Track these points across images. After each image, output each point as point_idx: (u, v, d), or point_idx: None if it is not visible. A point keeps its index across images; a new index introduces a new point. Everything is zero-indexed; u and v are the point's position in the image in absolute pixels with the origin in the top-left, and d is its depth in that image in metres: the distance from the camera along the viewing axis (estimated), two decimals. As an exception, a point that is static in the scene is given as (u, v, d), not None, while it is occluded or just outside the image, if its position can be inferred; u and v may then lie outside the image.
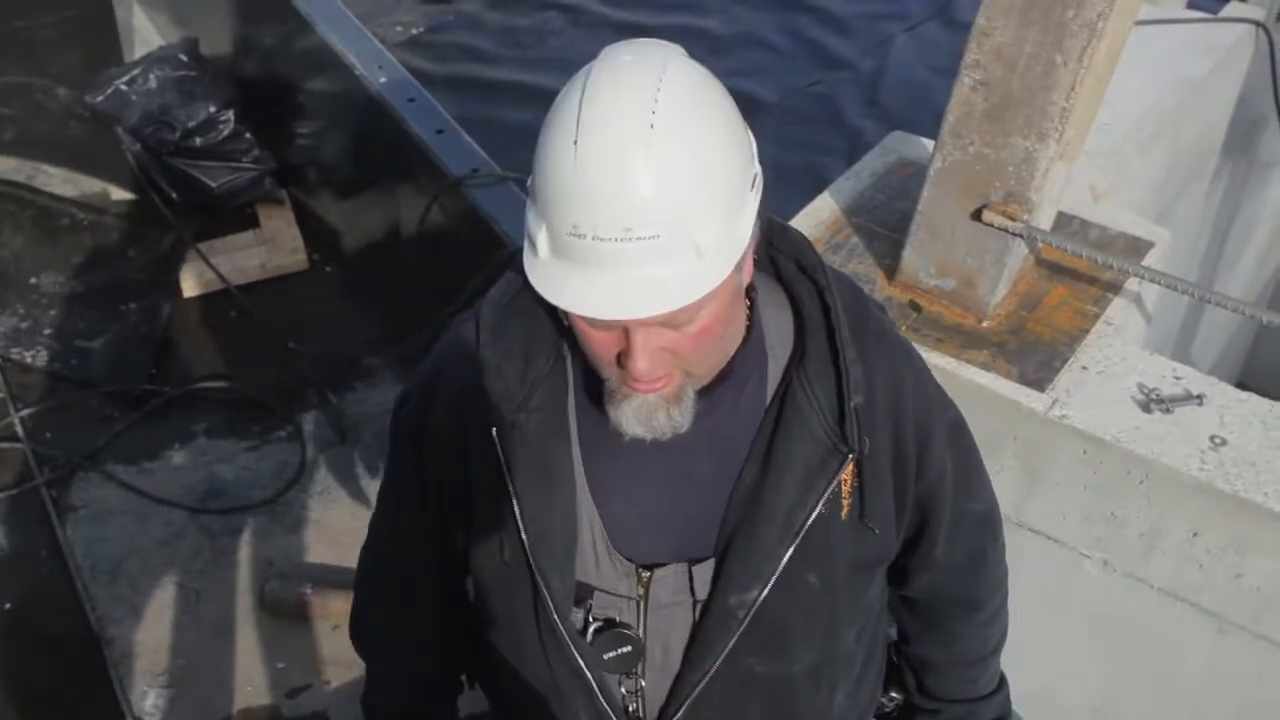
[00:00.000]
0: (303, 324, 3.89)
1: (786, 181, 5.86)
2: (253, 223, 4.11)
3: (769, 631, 1.38)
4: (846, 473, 1.34)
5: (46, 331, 3.79)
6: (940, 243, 2.36)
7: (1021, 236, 2.28)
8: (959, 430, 1.52)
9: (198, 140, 3.96)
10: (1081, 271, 2.49)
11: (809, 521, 1.33)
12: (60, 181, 4.21)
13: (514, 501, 1.34)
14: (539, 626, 1.39)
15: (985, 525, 1.59)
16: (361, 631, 1.74)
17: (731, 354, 1.31)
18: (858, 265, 2.52)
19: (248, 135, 4.06)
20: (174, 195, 4.05)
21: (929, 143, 2.62)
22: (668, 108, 1.12)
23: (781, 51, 6.69)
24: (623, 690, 1.44)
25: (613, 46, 1.21)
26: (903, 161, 2.78)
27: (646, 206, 1.11)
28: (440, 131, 3.25)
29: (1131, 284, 2.47)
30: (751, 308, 1.33)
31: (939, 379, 2.22)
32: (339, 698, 2.95)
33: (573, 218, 1.12)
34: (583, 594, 1.39)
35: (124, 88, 3.97)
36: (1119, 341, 2.37)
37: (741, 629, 1.36)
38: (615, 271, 1.13)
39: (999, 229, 2.27)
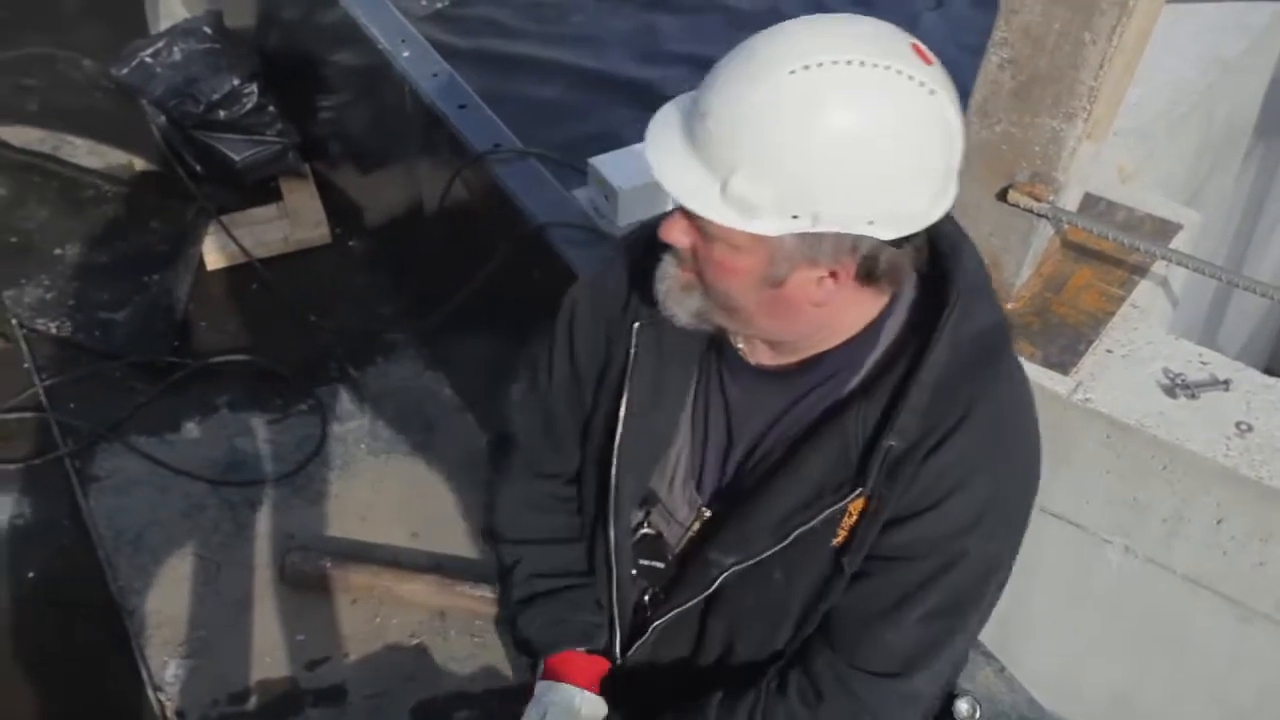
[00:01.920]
0: (325, 298, 3.89)
1: None
2: (275, 196, 4.11)
3: (726, 600, 1.45)
4: (854, 505, 1.31)
5: (70, 302, 3.80)
6: (966, 222, 2.35)
7: (1047, 217, 2.26)
8: (961, 559, 1.32)
9: (221, 113, 3.95)
10: (1108, 253, 2.46)
11: (802, 529, 1.34)
12: (85, 153, 4.22)
13: (624, 397, 1.44)
14: (600, 511, 1.51)
15: (898, 650, 1.39)
16: (494, 513, 1.72)
17: (762, 330, 1.32)
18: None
19: (271, 109, 4.06)
20: (198, 168, 4.05)
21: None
22: (826, 77, 1.12)
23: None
24: (645, 596, 1.54)
25: (890, 25, 1.19)
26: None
27: (731, 111, 1.15)
28: (463, 106, 3.23)
29: (1158, 267, 2.45)
30: (882, 315, 1.30)
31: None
32: (358, 671, 2.96)
33: (708, 77, 1.19)
34: (650, 500, 1.50)
35: (149, 60, 3.97)
36: (1145, 325, 2.35)
37: (710, 588, 1.43)
38: (684, 145, 1.20)
39: (1024, 209, 2.25)
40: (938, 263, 1.30)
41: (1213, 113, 3.06)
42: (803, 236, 1.17)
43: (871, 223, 1.15)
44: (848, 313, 1.28)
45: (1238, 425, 2.14)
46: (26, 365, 3.62)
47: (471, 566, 3.15)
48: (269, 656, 2.99)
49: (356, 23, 3.65)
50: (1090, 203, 2.50)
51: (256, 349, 3.72)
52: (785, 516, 1.34)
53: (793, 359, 1.35)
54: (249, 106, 3.99)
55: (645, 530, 1.51)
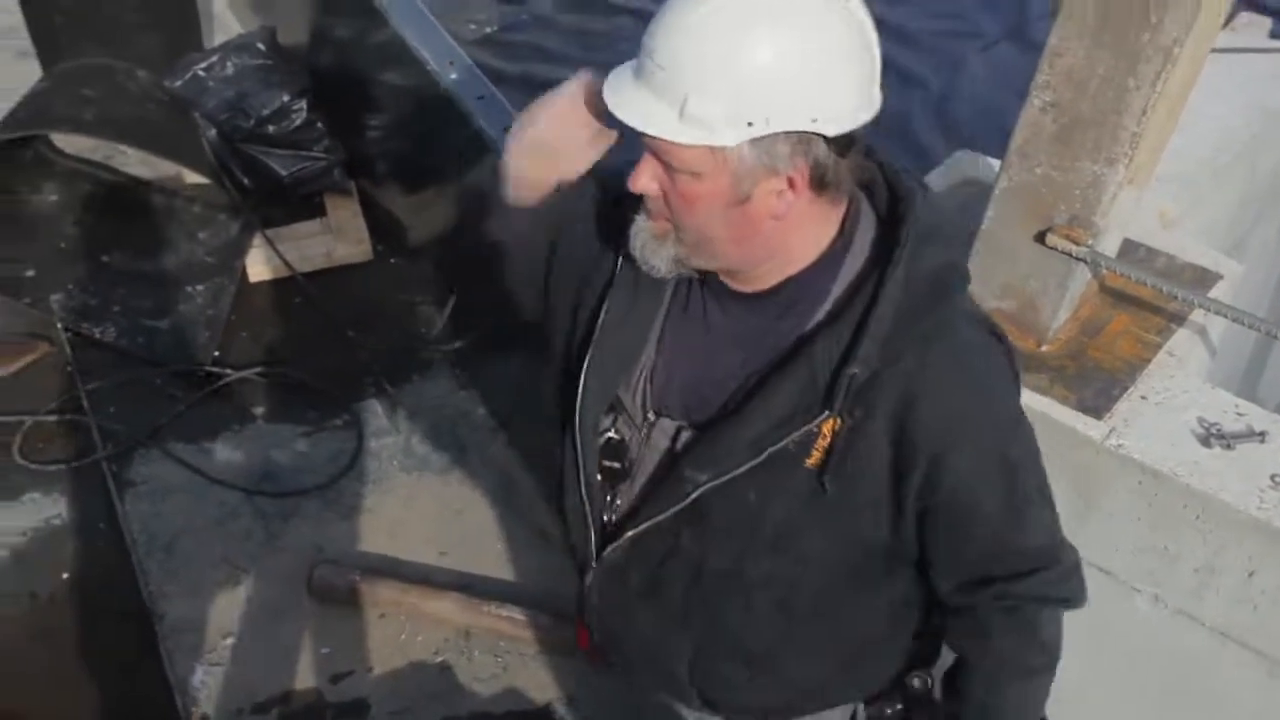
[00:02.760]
0: (364, 314, 3.94)
1: None
2: (320, 212, 4.16)
3: (702, 517, 1.56)
4: (826, 427, 1.45)
5: (115, 309, 3.86)
6: (1002, 263, 2.35)
7: (1085, 261, 2.26)
8: (1009, 469, 1.50)
9: (271, 128, 4.01)
10: (1146, 300, 2.46)
11: (774, 448, 1.46)
12: (136, 163, 4.28)
13: (602, 311, 1.59)
14: (570, 411, 1.64)
15: (1031, 558, 1.58)
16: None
17: (732, 259, 1.47)
18: (918, 283, 2.51)
19: (319, 125, 4.12)
20: (245, 181, 4.11)
21: (994, 162, 2.60)
22: (771, 6, 1.28)
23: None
24: (605, 499, 1.67)
25: None
26: (967, 180, 2.76)
27: (674, 43, 1.32)
28: (508, 129, 3.27)
29: (1197, 315, 2.44)
30: (835, 245, 1.46)
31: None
32: (381, 686, 2.98)
33: (651, 23, 1.35)
34: (616, 406, 1.64)
35: (202, 73, 4.04)
36: (1181, 373, 2.34)
37: (684, 501, 1.54)
38: (639, 88, 1.36)
39: (1063, 253, 2.25)
40: (895, 208, 1.47)
41: (1257, 163, 3.04)
42: (758, 145, 1.32)
43: (815, 119, 1.31)
44: (804, 229, 1.43)
45: (1273, 478, 2.13)
46: (69, 369, 3.69)
47: (499, 587, 3.17)
48: (295, 667, 3.01)
49: (406, 44, 3.71)
50: (1130, 248, 2.50)
51: (295, 362, 3.77)
52: (758, 436, 1.46)
53: (761, 286, 1.49)
54: (298, 122, 4.05)
55: (610, 435, 1.64)
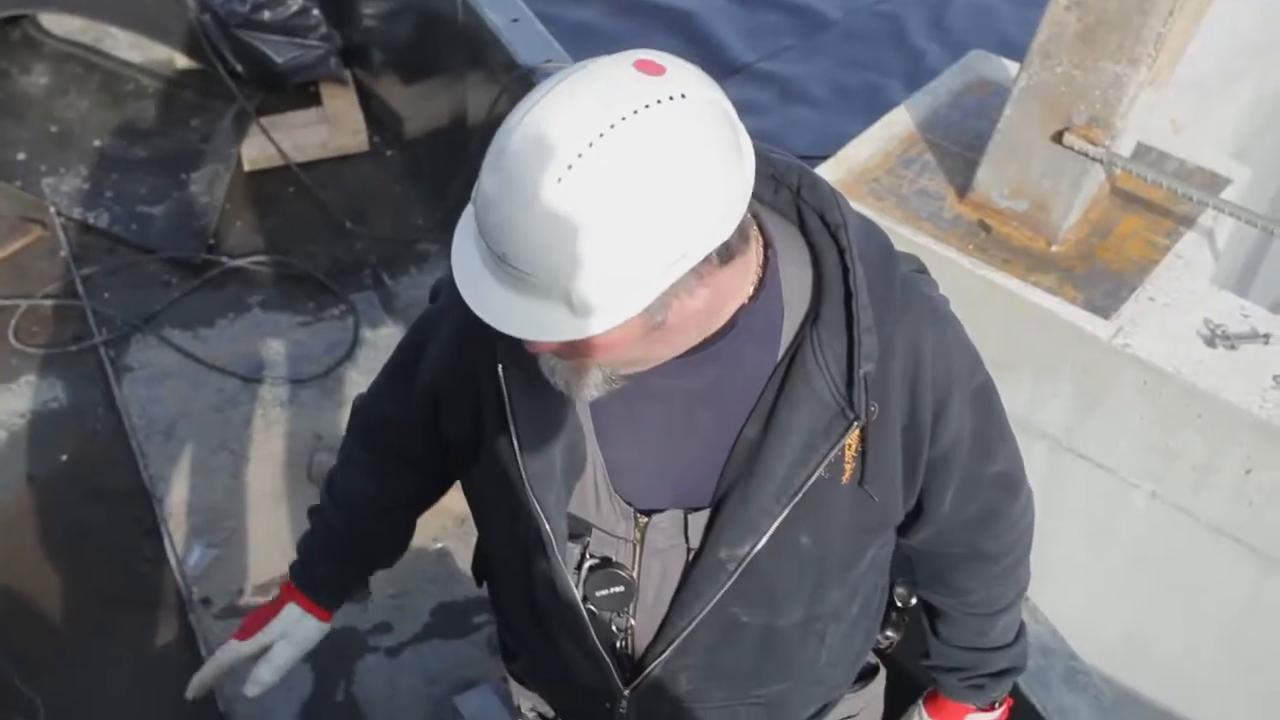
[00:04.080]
0: (361, 205, 3.90)
1: (845, 101, 5.81)
2: (315, 101, 4.10)
3: (757, 585, 1.40)
4: (851, 438, 1.32)
5: (108, 194, 3.81)
6: (1017, 163, 2.36)
7: (1101, 162, 2.27)
8: (983, 395, 1.42)
9: (266, 14, 3.94)
10: (1156, 203, 2.47)
11: (808, 484, 1.32)
12: (127, 46, 4.20)
13: (514, 437, 1.36)
14: (535, 557, 1.43)
15: (1001, 486, 1.50)
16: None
17: (670, 355, 1.27)
18: (928, 181, 2.51)
19: (315, 12, 4.04)
20: (238, 68, 4.04)
21: (1010, 64, 2.60)
22: (589, 169, 1.07)
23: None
24: (613, 628, 1.47)
25: (607, 62, 1.14)
26: (981, 81, 2.75)
27: (521, 245, 1.11)
28: (515, 20, 3.23)
29: (1205, 219, 2.46)
30: (767, 263, 1.28)
31: (1002, 301, 2.25)
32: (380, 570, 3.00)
33: (481, 217, 1.14)
34: (580, 530, 1.41)
35: (196, -45, 3.95)
36: (1188, 275, 2.37)
37: (731, 581, 1.38)
38: (508, 292, 1.15)
39: (1079, 153, 2.26)
40: (799, 195, 1.32)
41: (1269, 70, 3.04)
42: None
43: (708, 236, 1.14)
44: (728, 289, 1.25)
45: (1275, 378, 2.17)
46: (63, 254, 3.65)
47: (497, 477, 3.19)
48: (291, 552, 3.01)
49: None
50: (1142, 152, 2.51)
51: (291, 252, 3.75)
52: (785, 480, 1.32)
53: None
54: (294, 8, 3.97)
55: (591, 562, 1.43)
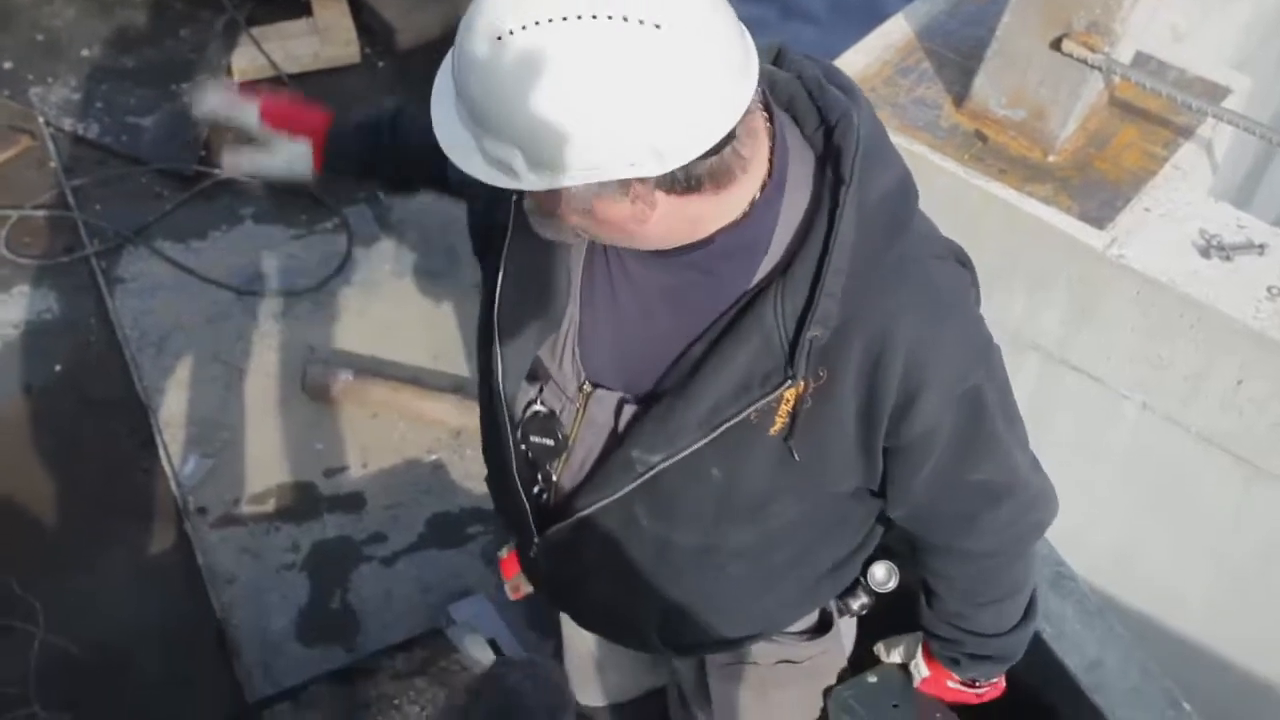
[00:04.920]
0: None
1: (844, 17, 5.72)
2: (306, 11, 4.04)
3: (660, 497, 1.42)
4: (788, 393, 1.30)
5: (98, 105, 3.77)
6: (1014, 71, 2.33)
7: (1100, 69, 2.25)
8: (973, 399, 1.36)
9: (257, -82, 3.88)
10: (1154, 113, 2.45)
11: (732, 421, 1.32)
12: (110, -48, 4.13)
13: (502, 259, 1.40)
14: (490, 380, 1.47)
15: (982, 493, 1.45)
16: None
17: (627, 243, 1.28)
18: (926, 90, 2.49)
19: (306, -81, 3.97)
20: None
21: (1011, -32, 2.55)
22: (533, 42, 1.08)
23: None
24: (538, 475, 1.51)
25: None
26: (980, -14, 2.71)
27: (467, 78, 1.14)
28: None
29: (1204, 129, 2.44)
30: (764, 194, 1.25)
31: (998, 211, 2.23)
32: (375, 481, 3.03)
33: (455, 44, 1.17)
34: (540, 375, 1.45)
35: None
36: (1185, 186, 2.35)
37: (636, 483, 1.40)
38: (450, 107, 1.19)
39: (1078, 59, 2.24)
40: (830, 136, 1.27)
41: (1270, -19, 3.01)
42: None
43: (632, 164, 1.12)
44: (693, 212, 1.22)
45: (1269, 290, 2.17)
46: (53, 164, 3.62)
47: (491, 389, 3.20)
48: (288, 462, 3.05)
49: None
50: (1142, 60, 2.48)
51: (283, 164, 3.71)
52: (712, 410, 1.32)
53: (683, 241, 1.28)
54: (284, -85, 3.90)
55: (537, 408, 1.46)
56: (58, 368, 3.17)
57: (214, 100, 1.82)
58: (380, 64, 4.05)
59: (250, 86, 1.77)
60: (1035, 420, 1.52)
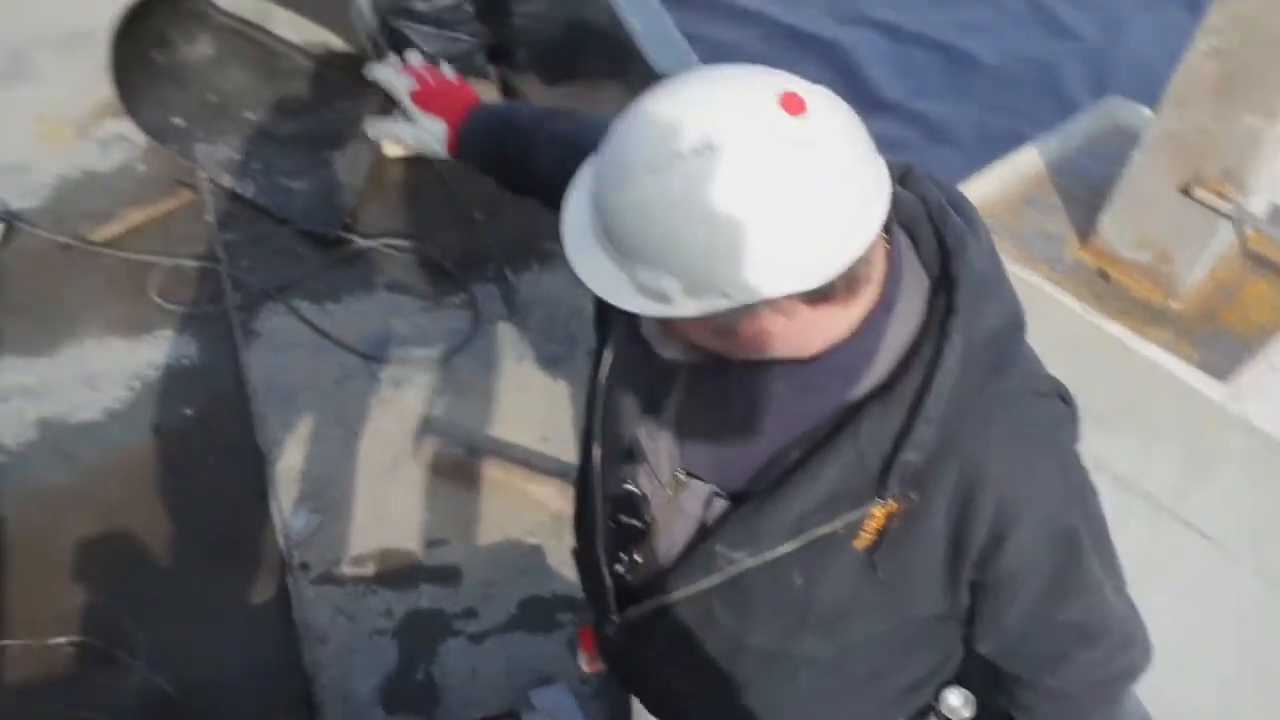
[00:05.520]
0: (493, 199, 3.97)
1: (990, 145, 5.70)
2: (460, 93, 4.21)
3: (739, 595, 1.43)
4: (878, 510, 1.31)
5: (256, 165, 3.98)
6: (1142, 213, 2.31)
7: (1231, 219, 2.21)
8: (1070, 538, 1.35)
9: (420, 4, 4.06)
10: (1289, 268, 2.40)
11: (819, 531, 1.33)
12: (288, 26, 4.36)
13: (610, 336, 1.45)
14: (589, 454, 1.51)
15: (1074, 633, 1.44)
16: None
17: (744, 358, 1.30)
18: (1051, 223, 2.48)
19: (468, 7, 4.15)
20: (390, 54, 4.15)
21: (1150, 113, 2.54)
22: (685, 175, 1.13)
23: (1007, 11, 6.47)
24: (621, 554, 1.53)
25: (755, 79, 1.17)
26: (1117, 127, 2.70)
27: (609, 208, 1.19)
28: (660, 33, 3.28)
29: (1341, 289, 2.37)
30: (875, 313, 1.27)
31: (1114, 351, 2.19)
32: (474, 557, 3.08)
33: (599, 171, 1.23)
34: (636, 456, 1.47)
35: (361, -57, 4.09)
36: (1315, 346, 2.29)
37: (717, 578, 1.42)
38: (591, 240, 1.24)
39: (1208, 207, 2.21)
40: (947, 262, 1.29)
41: None
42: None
43: (790, 281, 1.16)
44: (820, 328, 1.26)
45: (1396, 461, 2.08)
46: (209, 218, 3.82)
47: (595, 476, 3.24)
48: (393, 527, 3.13)
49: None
50: (1277, 215, 2.43)
51: (421, 237, 3.86)
52: (801, 517, 1.33)
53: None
54: (448, 1, 4.09)
55: (629, 487, 1.49)
56: (188, 411, 3.32)
57: (382, 71, 1.94)
58: (524, 149, 4.18)
59: (420, 67, 1.89)
60: (1139, 571, 1.50)
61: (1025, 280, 2.36)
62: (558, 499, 3.15)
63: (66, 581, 2.92)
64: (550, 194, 1.67)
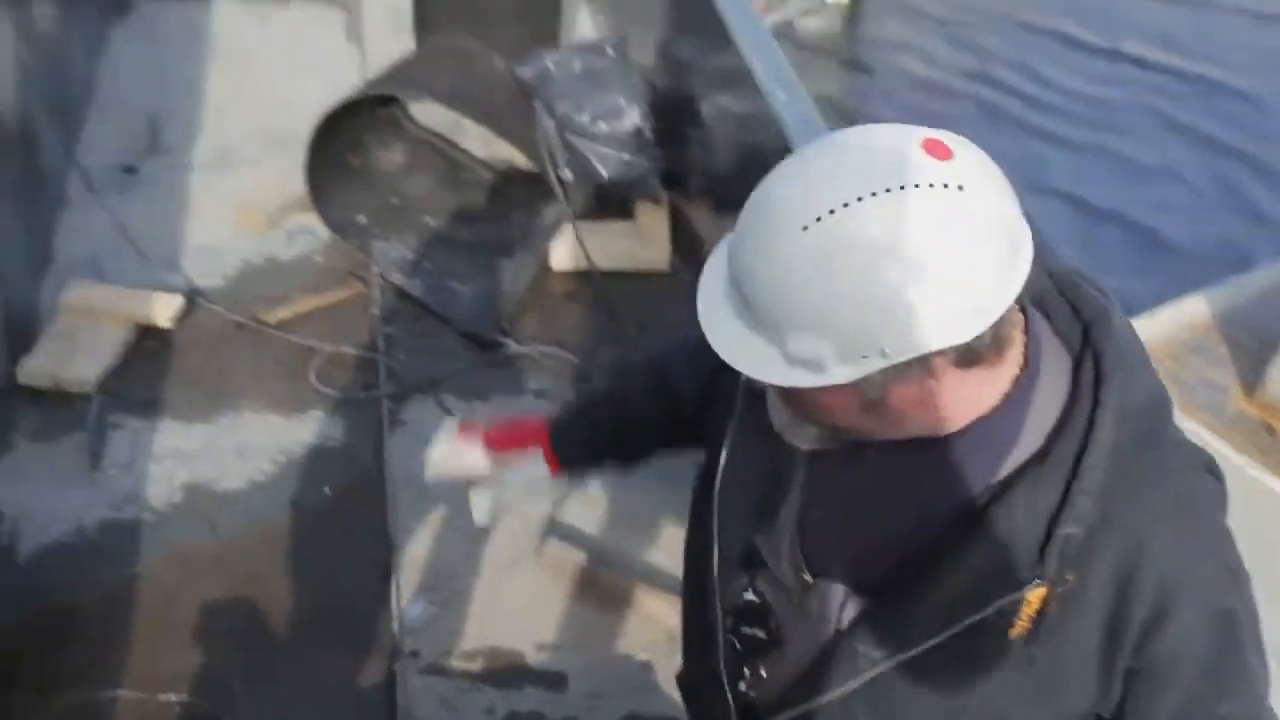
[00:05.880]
0: (650, 318, 4.03)
1: (1202, 262, 5.52)
2: (629, 214, 4.30)
3: (885, 700, 1.32)
4: (1034, 595, 1.22)
5: (426, 266, 4.12)
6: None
7: None
8: (1227, 621, 1.26)
9: (602, 125, 4.19)
10: None
11: (969, 621, 1.24)
12: (475, 140, 4.57)
13: (727, 440, 1.41)
14: (703, 562, 1.44)
15: None
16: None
17: (885, 437, 1.25)
18: (1215, 373, 2.35)
19: (646, 133, 4.26)
20: (568, 173, 4.28)
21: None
22: (837, 228, 1.09)
23: (1201, 193, 6.34)
24: (745, 669, 1.44)
25: (895, 131, 1.15)
26: (1297, 283, 2.57)
27: (754, 277, 1.16)
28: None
29: None
30: (1019, 385, 1.23)
31: (1274, 509, 2.03)
32: (583, 666, 3.02)
33: (733, 238, 1.20)
34: (755, 562, 1.40)
35: (550, 66, 4.26)
36: None
37: (858, 681, 1.31)
38: (732, 317, 1.21)
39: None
40: (1088, 334, 1.26)
41: None
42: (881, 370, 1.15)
43: (945, 334, 1.12)
44: (964, 394, 1.21)
45: None
46: (375, 311, 3.96)
47: (716, 600, 3.15)
48: (506, 626, 3.09)
49: (747, 68, 3.79)
50: None
51: (575, 348, 3.90)
52: (948, 607, 1.24)
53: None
54: (627, 126, 4.21)
55: (750, 597, 1.41)
56: (327, 490, 3.39)
57: (440, 461, 1.92)
58: (686, 276, 4.23)
59: (469, 427, 1.86)
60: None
61: (1186, 429, 2.22)
62: (673, 616, 3.06)
63: (185, 641, 2.97)
64: (659, 434, 1.73)
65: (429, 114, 4.57)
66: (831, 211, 1.09)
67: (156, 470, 3.40)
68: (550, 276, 4.18)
